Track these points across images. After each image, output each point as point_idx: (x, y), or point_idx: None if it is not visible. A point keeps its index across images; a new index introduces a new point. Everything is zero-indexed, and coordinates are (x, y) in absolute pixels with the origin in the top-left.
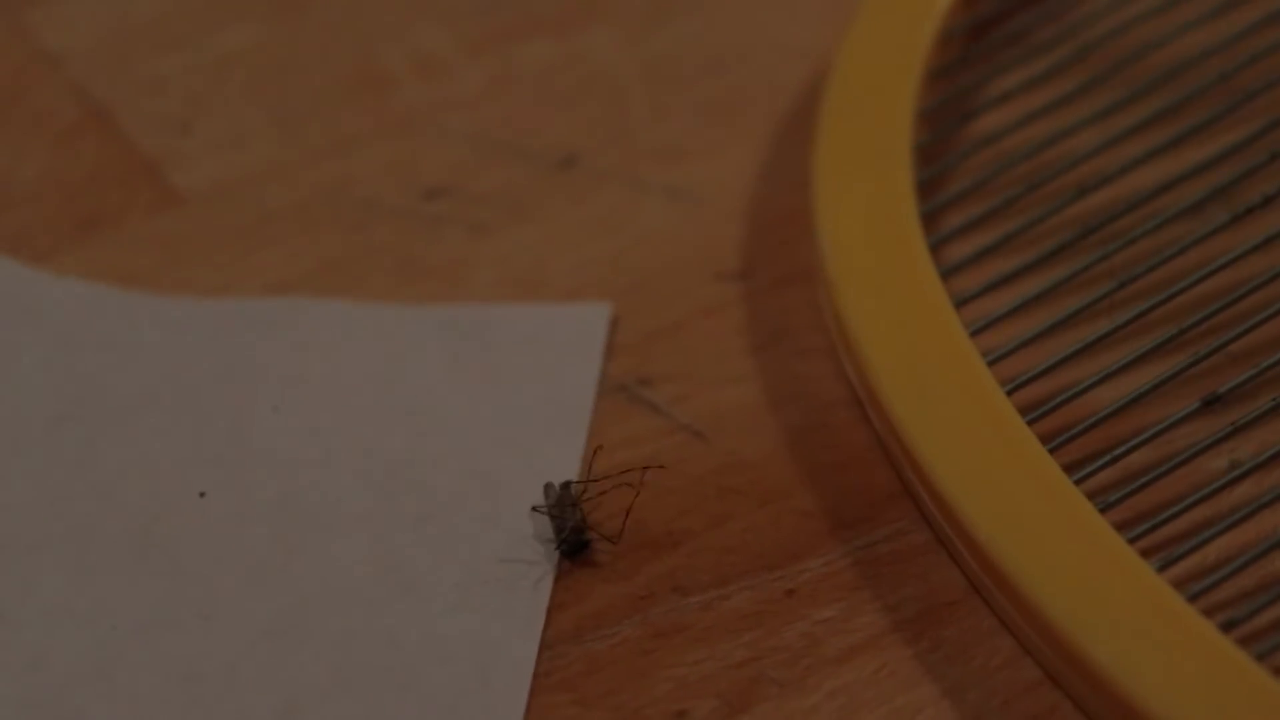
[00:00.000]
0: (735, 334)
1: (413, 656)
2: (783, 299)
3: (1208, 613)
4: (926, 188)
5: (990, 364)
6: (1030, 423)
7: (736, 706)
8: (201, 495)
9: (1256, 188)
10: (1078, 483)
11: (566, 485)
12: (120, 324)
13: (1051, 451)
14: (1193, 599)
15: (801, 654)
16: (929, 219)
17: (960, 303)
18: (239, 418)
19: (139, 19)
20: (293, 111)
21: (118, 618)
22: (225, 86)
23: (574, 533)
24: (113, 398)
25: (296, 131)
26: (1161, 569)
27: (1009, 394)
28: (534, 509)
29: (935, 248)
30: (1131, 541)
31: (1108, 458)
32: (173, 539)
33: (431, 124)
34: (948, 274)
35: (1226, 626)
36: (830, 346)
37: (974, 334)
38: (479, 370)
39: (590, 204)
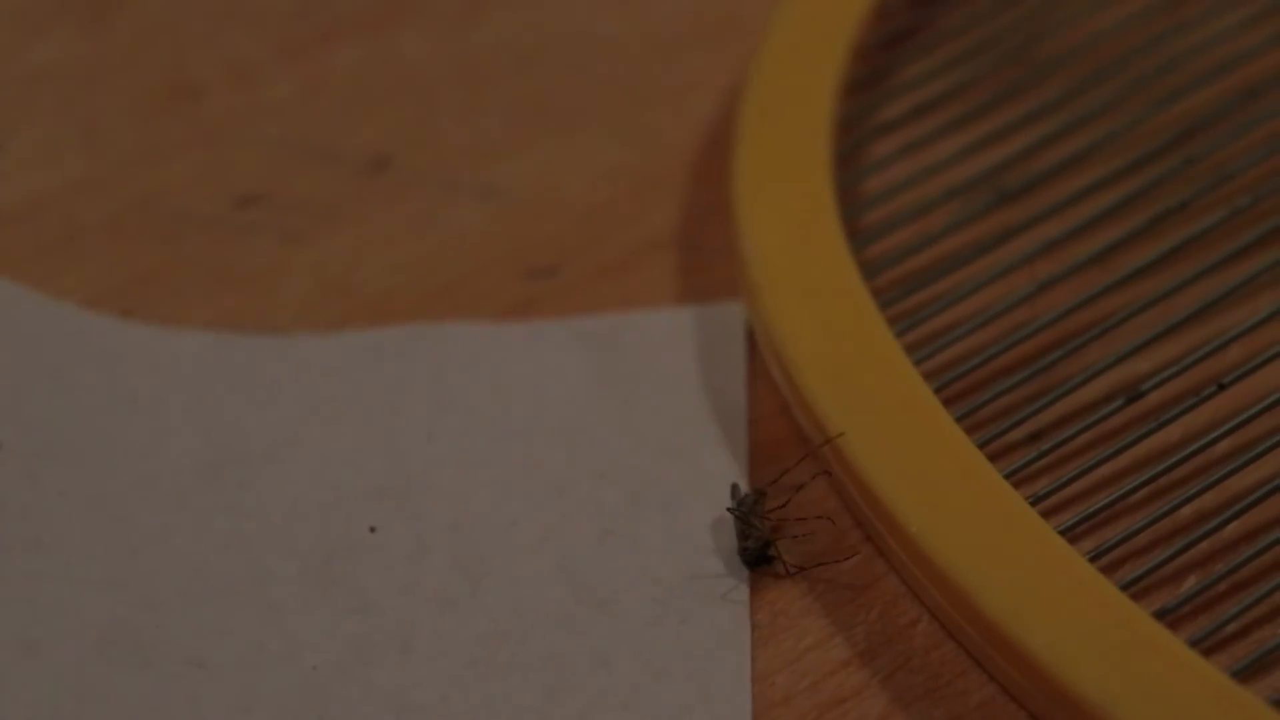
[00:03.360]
0: None
1: (626, 675)
2: (593, 293)
3: (1175, 627)
4: (847, 194)
5: (917, 363)
6: (958, 419)
7: None
8: (372, 530)
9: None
10: (1035, 504)
11: (757, 496)
12: (249, 368)
13: (984, 449)
14: (1158, 615)
15: None
16: (851, 224)
17: (885, 304)
18: (393, 450)
19: None
20: (104, 124)
21: (317, 657)
22: (35, 102)
23: (757, 544)
24: (257, 442)
25: (108, 144)
26: (1125, 587)
27: (936, 391)
28: (729, 509)
29: (859, 250)
30: (1063, 532)
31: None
32: (353, 575)
33: (243, 131)
34: (871, 275)
35: (1200, 648)
36: None
37: (899, 334)
38: (623, 381)
39: (403, 206)
